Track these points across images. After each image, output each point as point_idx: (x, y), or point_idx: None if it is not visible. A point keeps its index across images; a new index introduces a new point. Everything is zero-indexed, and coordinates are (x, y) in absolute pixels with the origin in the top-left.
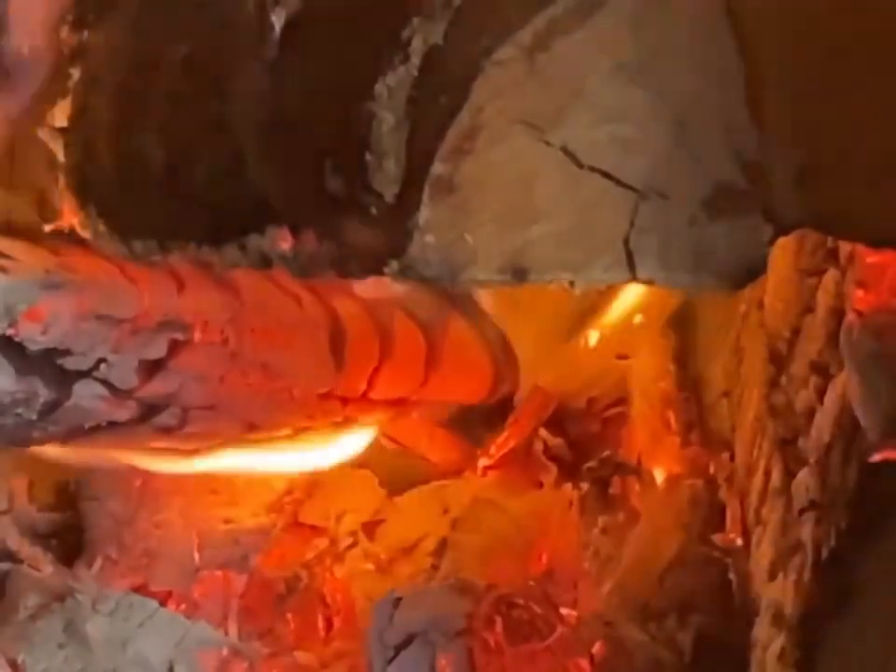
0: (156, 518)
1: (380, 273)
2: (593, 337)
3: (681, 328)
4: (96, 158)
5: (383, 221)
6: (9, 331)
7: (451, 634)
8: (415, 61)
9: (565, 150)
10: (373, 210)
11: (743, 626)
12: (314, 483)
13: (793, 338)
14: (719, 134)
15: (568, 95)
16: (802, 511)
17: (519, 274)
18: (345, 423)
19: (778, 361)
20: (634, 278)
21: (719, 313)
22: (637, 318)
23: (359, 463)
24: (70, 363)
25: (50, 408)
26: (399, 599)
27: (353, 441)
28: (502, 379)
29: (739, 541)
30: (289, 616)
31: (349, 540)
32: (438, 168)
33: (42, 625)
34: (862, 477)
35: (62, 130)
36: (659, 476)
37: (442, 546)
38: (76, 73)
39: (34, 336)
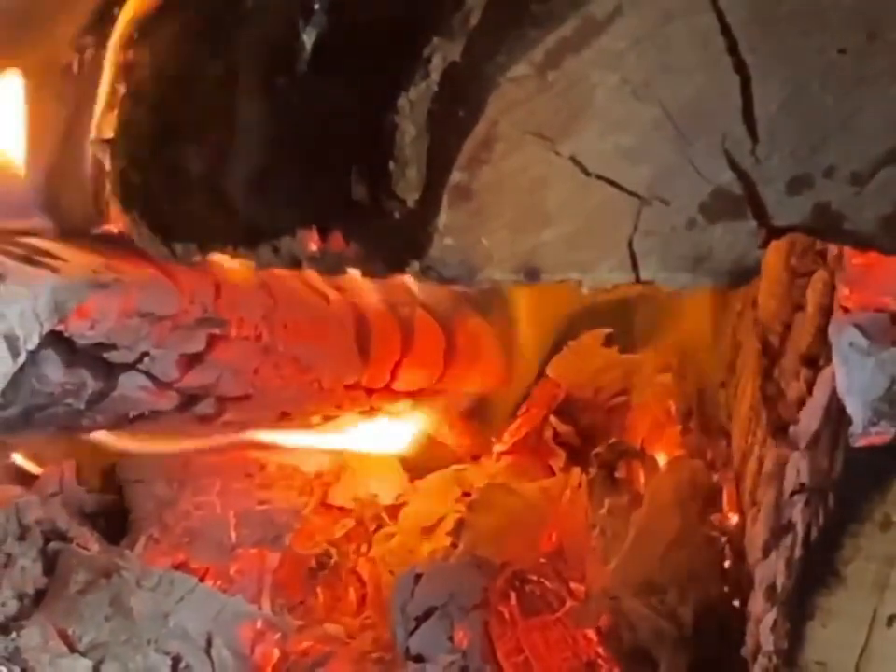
0: (196, 500)
1: (402, 272)
2: (598, 332)
3: (681, 324)
4: (140, 166)
5: (405, 225)
6: (59, 327)
7: (468, 607)
8: (435, 77)
9: (573, 160)
10: (396, 215)
11: (738, 600)
12: (341, 467)
13: (785, 333)
14: (716, 144)
15: (577, 109)
16: (793, 494)
17: (531, 275)
18: (371, 411)
19: (771, 355)
20: (637, 278)
21: (716, 310)
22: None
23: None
24: (116, 356)
25: (97, 398)
26: (420, 575)
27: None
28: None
29: (735, 521)
30: (319, 590)
31: (374, 520)
32: (456, 176)
33: (90, 600)
34: (848, 461)
35: (109, 140)
36: (661, 461)
37: (460, 526)
38: (121, 88)
39: (82, 331)
